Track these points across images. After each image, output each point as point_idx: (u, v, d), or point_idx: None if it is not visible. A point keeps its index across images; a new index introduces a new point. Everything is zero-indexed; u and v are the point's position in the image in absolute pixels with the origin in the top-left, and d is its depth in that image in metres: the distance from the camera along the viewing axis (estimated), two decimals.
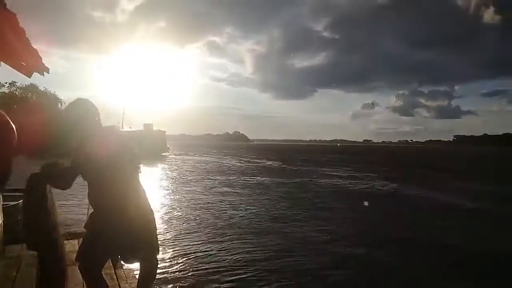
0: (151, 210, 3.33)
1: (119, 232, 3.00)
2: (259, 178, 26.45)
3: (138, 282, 3.44)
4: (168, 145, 63.18)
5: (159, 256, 3.51)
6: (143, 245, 3.18)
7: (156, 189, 19.26)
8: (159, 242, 3.42)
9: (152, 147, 52.26)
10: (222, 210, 13.83)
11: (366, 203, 16.27)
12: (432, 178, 27.70)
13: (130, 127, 63.61)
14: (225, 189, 20.06)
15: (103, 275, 3.19)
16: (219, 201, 15.83)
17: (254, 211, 13.80)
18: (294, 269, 7.61)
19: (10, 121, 1.22)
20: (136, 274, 5.14)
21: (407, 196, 19.23)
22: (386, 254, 8.93)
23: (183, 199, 16.19)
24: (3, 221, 5.26)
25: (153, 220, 3.33)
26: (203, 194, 17.79)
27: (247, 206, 14.84)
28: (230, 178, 26.10)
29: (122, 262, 4.56)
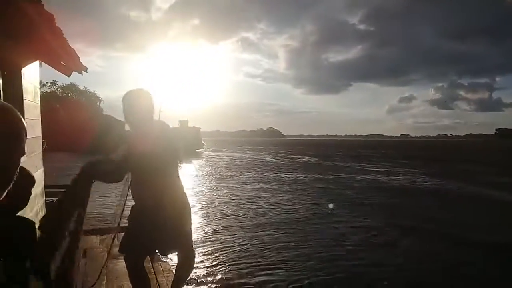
0: (188, 204, 3.38)
1: (158, 225, 3.05)
2: (295, 174, 26.19)
3: (175, 273, 3.52)
4: (203, 142, 63.94)
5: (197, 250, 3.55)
6: (180, 238, 3.23)
7: (194, 185, 19.51)
8: (195, 235, 3.47)
9: (187, 143, 53.04)
10: (260, 206, 13.82)
11: (407, 199, 15.94)
12: (474, 173, 26.62)
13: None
14: (262, 185, 20.03)
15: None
16: (257, 197, 15.85)
17: (291, 207, 13.70)
18: (333, 264, 7.54)
19: (22, 118, 1.22)
20: (173, 268, 5.24)
21: (449, 191, 18.53)
22: (431, 249, 8.71)
23: (221, 195, 16.32)
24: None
25: (189, 214, 3.37)
26: (240, 190, 17.82)
27: (285, 202, 14.76)
28: (267, 174, 25.99)
29: (159, 255, 4.65)
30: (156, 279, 4.17)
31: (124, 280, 4.09)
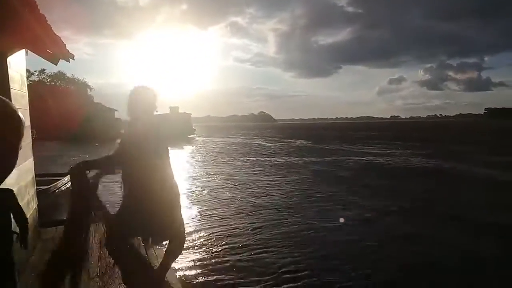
0: (178, 192, 3.45)
1: (147, 213, 3.12)
2: (290, 158, 26.12)
3: (164, 255, 3.62)
4: (194, 127, 63.78)
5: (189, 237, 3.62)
6: (170, 225, 3.32)
7: (187, 171, 19.54)
8: (184, 221, 3.59)
9: (178, 129, 52.87)
10: (257, 190, 13.85)
11: (404, 180, 16.18)
12: (467, 153, 26.83)
13: (157, 111, 64.40)
14: (258, 169, 20.03)
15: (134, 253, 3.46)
16: (254, 181, 15.89)
17: (289, 190, 13.76)
18: (330, 245, 7.63)
19: (17, 110, 1.27)
20: None
21: (444, 171, 18.72)
22: (431, 231, 8.76)
23: (215, 180, 16.30)
24: (37, 205, 5.47)
25: (178, 202, 3.45)
26: (235, 175, 17.79)
27: (283, 185, 14.80)
28: (261, 158, 25.90)
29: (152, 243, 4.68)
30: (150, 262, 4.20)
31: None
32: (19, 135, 1.30)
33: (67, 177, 13.09)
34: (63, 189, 12.69)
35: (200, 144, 44.50)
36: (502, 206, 11.05)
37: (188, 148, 37.31)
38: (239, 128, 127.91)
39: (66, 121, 43.03)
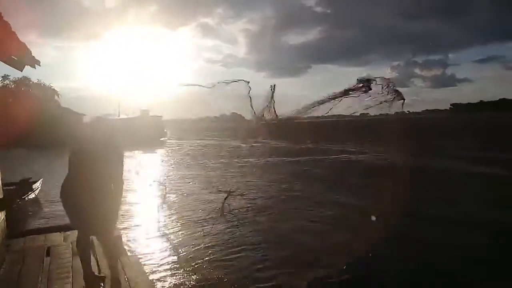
0: (118, 193, 3.70)
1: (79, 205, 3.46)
2: (271, 158, 26.06)
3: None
4: (165, 130, 62.96)
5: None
6: (97, 220, 3.55)
7: (161, 174, 19.40)
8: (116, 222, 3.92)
9: (149, 133, 52.08)
10: (238, 191, 13.60)
11: (386, 177, 16.21)
12: (442, 148, 27.56)
13: (127, 114, 63.33)
14: (236, 170, 20.00)
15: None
16: (229, 183, 15.62)
17: (266, 190, 13.93)
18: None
19: None
20: (141, 261, 5.21)
21: (426, 167, 19.41)
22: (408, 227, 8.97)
23: (190, 184, 16.13)
24: (5, 215, 5.31)
25: (115, 201, 3.67)
26: (210, 177, 17.50)
27: (264, 186, 14.93)
28: (240, 159, 25.59)
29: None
30: (125, 272, 4.16)
31: None
32: None
33: (36, 185, 12.75)
34: (31, 197, 12.36)
35: (174, 147, 43.86)
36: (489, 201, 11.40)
37: (160, 152, 36.75)
38: (211, 129, 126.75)
39: (33, 128, 41.70)
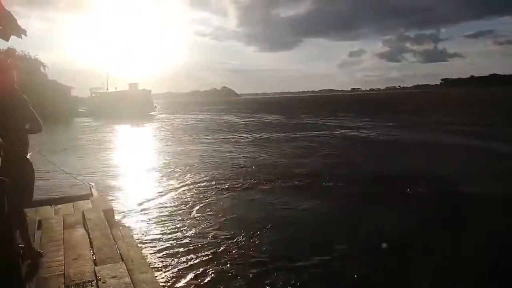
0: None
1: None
2: (266, 133, 25.46)
3: None
4: (155, 105, 62.41)
5: None
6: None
7: (153, 150, 19.29)
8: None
9: (138, 106, 51.59)
10: (230, 169, 13.45)
11: (387, 152, 16.64)
12: (437, 123, 27.51)
13: (116, 88, 62.53)
14: (235, 146, 19.55)
15: None
16: (235, 158, 15.76)
17: (266, 166, 13.57)
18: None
19: None
20: (133, 234, 5.24)
21: (425, 142, 19.11)
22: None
23: (183, 160, 15.61)
24: None
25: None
26: (205, 154, 17.02)
27: (267, 161, 14.74)
28: (236, 135, 25.17)
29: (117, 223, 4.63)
30: (116, 244, 4.18)
31: (82, 249, 4.07)
32: None
33: None
34: None
35: (164, 121, 43.52)
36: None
37: (150, 126, 36.47)
38: (202, 104, 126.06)
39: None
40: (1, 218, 2.82)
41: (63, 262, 3.76)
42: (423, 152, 16.43)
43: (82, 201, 5.98)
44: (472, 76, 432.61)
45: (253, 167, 13.56)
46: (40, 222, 4.89)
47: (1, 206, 2.80)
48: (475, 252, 6.06)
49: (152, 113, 56.86)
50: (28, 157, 3.94)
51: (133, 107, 49.93)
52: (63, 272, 3.55)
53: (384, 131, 24.64)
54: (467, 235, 6.83)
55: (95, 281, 3.35)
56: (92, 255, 3.94)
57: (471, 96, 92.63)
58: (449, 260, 5.86)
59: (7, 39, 4.77)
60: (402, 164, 13.70)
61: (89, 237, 4.33)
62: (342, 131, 25.66)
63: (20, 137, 3.84)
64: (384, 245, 6.28)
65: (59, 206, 5.72)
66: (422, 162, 13.70)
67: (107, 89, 64.51)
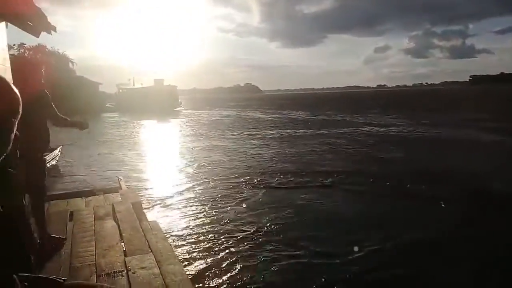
0: None
1: None
2: (294, 130, 25.06)
3: None
4: (180, 100, 63.08)
5: None
6: None
7: (182, 144, 19.41)
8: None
9: (164, 102, 52.27)
10: (265, 165, 13.26)
11: (423, 150, 16.09)
12: (471, 120, 26.37)
13: (142, 84, 63.55)
14: (267, 142, 19.37)
15: None
16: (259, 154, 15.65)
17: (300, 162, 13.45)
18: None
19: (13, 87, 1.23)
20: (161, 226, 5.30)
21: (459, 139, 18.58)
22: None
23: (214, 156, 15.67)
24: None
25: None
26: (239, 150, 16.87)
27: (291, 157, 14.61)
28: (262, 131, 24.83)
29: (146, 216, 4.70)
30: (145, 236, 4.24)
31: (112, 241, 4.14)
32: (16, 114, 1.24)
33: (55, 152, 12.93)
34: (52, 163, 12.57)
35: (189, 117, 43.73)
36: None
37: (175, 121, 36.81)
38: (226, 100, 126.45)
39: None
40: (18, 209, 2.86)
41: (94, 252, 3.84)
42: (458, 149, 15.84)
43: (111, 194, 6.08)
44: (502, 72, 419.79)
45: (280, 163, 13.47)
46: (72, 213, 5.01)
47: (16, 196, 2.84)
48: None
49: (177, 108, 57.50)
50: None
51: (159, 102, 50.64)
52: (94, 262, 3.62)
53: (416, 128, 24.02)
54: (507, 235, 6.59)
55: (125, 271, 3.40)
56: (122, 246, 4.01)
57: (502, 93, 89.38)
58: (487, 260, 5.67)
59: (37, 36, 4.90)
60: (437, 162, 13.26)
61: (119, 229, 4.41)
62: (371, 127, 25.23)
63: (41, 134, 3.85)
64: (419, 243, 6.19)
65: (90, 198, 5.84)
66: (458, 160, 13.25)
67: (134, 85, 65.63)
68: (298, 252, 5.94)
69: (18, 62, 4.04)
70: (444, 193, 8.99)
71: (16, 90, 1.28)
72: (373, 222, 7.33)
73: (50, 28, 4.72)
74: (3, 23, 4.80)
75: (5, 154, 1.30)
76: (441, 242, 6.32)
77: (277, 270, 5.36)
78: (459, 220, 7.33)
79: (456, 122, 26.60)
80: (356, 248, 5.95)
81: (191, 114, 49.69)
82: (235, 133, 24.61)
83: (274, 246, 6.17)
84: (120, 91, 65.28)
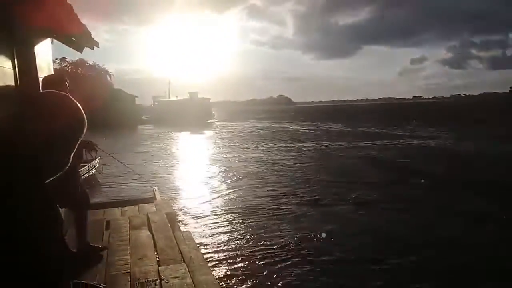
0: None
1: None
2: (330, 143, 24.70)
3: None
4: (213, 112, 63.85)
5: None
6: None
7: (220, 155, 19.49)
8: None
9: (197, 114, 53.02)
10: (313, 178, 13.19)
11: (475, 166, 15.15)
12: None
13: (177, 96, 64.84)
14: (296, 155, 19.25)
15: None
16: (295, 166, 15.58)
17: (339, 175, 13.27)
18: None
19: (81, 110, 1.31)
20: (194, 236, 5.35)
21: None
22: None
23: (244, 167, 15.76)
24: None
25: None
26: (283, 164, 16.60)
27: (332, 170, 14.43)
28: (297, 144, 24.69)
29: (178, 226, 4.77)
30: (178, 246, 4.30)
31: (146, 250, 4.22)
32: (80, 135, 1.30)
33: (94, 162, 13.30)
34: (90, 174, 12.95)
35: (223, 128, 44.07)
36: None
37: (209, 133, 37.21)
38: (259, 111, 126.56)
39: (88, 108, 43.50)
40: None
41: (129, 261, 3.92)
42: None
43: (146, 204, 6.21)
44: None
45: (319, 176, 13.37)
46: (108, 222, 5.14)
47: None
48: None
49: (210, 120, 58.21)
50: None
51: (193, 115, 51.42)
52: (129, 270, 3.70)
53: (461, 141, 23.22)
54: None
55: (158, 280, 3.46)
56: (156, 255, 4.08)
57: None
58: None
59: (81, 51, 5.09)
60: (485, 175, 12.74)
61: (153, 239, 4.49)
62: (411, 140, 24.70)
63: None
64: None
65: (125, 208, 5.98)
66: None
67: (169, 97, 67.07)
68: (344, 258, 5.99)
69: (44, 78, 4.10)
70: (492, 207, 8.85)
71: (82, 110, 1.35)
72: (420, 234, 7.31)
73: (93, 44, 4.90)
74: (49, 39, 5.03)
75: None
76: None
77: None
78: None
79: (503, 134, 25.32)
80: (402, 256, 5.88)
81: (224, 126, 50.09)
82: (269, 144, 24.62)
83: (303, 259, 6.16)
84: (156, 103, 66.91)
